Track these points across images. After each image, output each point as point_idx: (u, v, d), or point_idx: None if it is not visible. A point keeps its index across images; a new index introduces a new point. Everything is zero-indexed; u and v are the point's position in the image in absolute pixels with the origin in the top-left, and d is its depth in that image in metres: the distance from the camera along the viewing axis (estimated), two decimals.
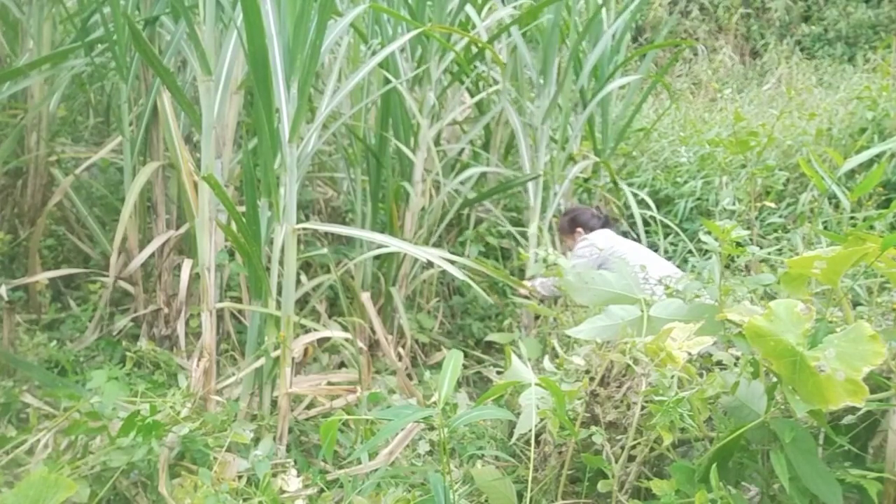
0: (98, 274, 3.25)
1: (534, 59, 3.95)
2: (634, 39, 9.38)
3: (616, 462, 1.65)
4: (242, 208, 2.52)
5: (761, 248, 3.02)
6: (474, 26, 3.87)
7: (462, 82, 4.10)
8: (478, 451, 2.36)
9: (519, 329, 3.65)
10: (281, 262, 2.42)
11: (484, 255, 4.14)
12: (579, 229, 3.45)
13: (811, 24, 10.12)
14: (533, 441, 1.61)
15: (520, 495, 1.80)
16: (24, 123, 3.23)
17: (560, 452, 1.82)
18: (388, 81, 3.36)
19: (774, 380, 1.44)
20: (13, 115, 3.37)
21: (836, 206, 3.91)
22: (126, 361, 2.74)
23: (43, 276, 3.19)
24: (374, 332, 3.17)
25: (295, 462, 2.35)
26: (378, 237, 2.70)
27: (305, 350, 2.65)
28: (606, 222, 3.50)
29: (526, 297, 3.36)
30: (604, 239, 3.26)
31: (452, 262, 2.61)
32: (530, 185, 3.92)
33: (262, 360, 2.47)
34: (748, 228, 2.81)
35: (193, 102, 2.52)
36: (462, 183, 4.00)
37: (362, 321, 3.22)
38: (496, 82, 4.13)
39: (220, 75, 2.42)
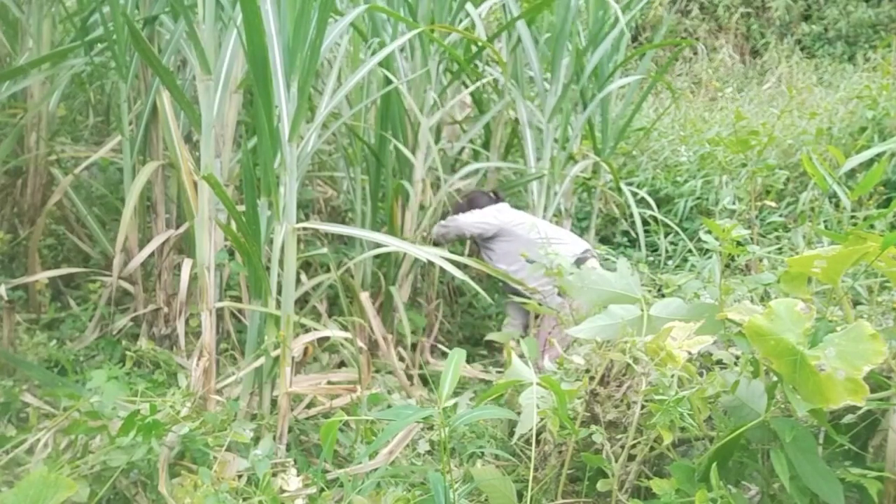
0: (98, 273, 3.25)
1: (537, 57, 3.95)
2: (634, 38, 9.37)
3: (616, 461, 1.65)
4: (242, 207, 2.52)
5: (762, 247, 3.02)
6: (474, 26, 3.86)
7: (461, 80, 4.10)
8: (478, 451, 2.36)
9: (519, 328, 3.65)
10: (281, 262, 2.42)
11: None
12: (475, 211, 3.69)
13: (811, 23, 10.12)
14: (534, 440, 1.61)
15: (520, 494, 1.80)
16: (24, 123, 3.23)
17: (560, 452, 1.82)
18: (388, 80, 3.36)
19: (775, 379, 1.44)
20: (13, 114, 3.37)
21: (837, 205, 3.91)
22: (126, 361, 2.74)
23: (43, 276, 3.18)
24: (373, 331, 3.17)
25: (295, 461, 2.34)
26: (378, 236, 2.70)
27: (305, 349, 2.64)
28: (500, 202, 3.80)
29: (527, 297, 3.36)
30: (498, 211, 3.63)
31: (452, 262, 2.61)
32: (534, 184, 3.92)
33: (261, 360, 2.47)
34: (748, 227, 2.81)
35: (193, 102, 2.52)
36: (462, 181, 4.00)
37: (362, 321, 3.22)
38: (496, 81, 4.12)
39: (219, 74, 2.42)
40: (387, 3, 3.45)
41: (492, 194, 3.81)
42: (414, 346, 3.55)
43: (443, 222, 3.65)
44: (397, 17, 3.35)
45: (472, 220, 3.59)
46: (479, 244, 3.68)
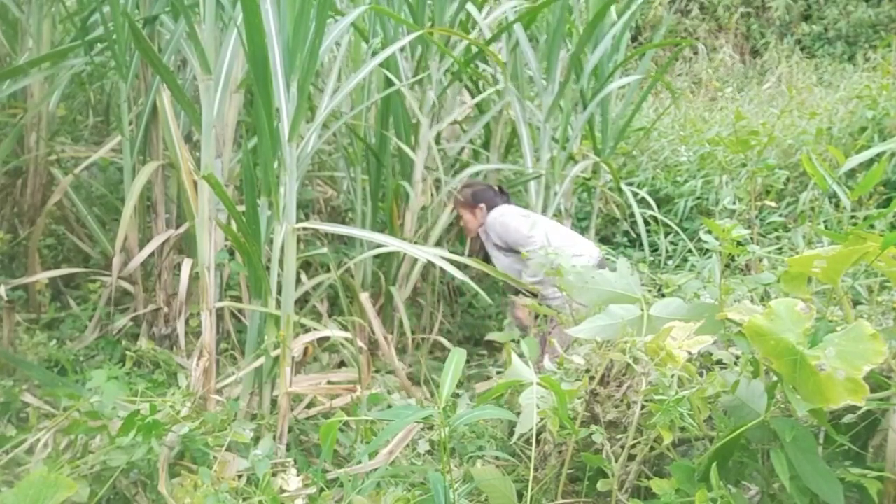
0: (98, 273, 3.25)
1: (535, 58, 3.95)
2: (634, 38, 9.38)
3: (616, 461, 1.65)
4: (242, 207, 2.52)
5: (762, 247, 3.02)
6: (475, 24, 3.86)
7: (462, 82, 4.10)
8: (478, 451, 2.36)
9: (519, 328, 3.65)
10: (281, 262, 2.42)
11: None
12: (482, 205, 3.53)
13: (811, 23, 10.12)
14: (534, 440, 1.61)
15: (520, 494, 1.80)
16: (24, 122, 3.23)
17: (560, 452, 1.82)
18: (388, 80, 3.36)
19: (775, 379, 1.44)
20: (13, 114, 3.37)
21: (837, 205, 3.91)
22: (126, 361, 2.74)
23: (43, 276, 3.18)
24: (373, 332, 3.17)
25: (295, 461, 2.34)
26: (378, 237, 2.70)
27: (305, 349, 2.64)
28: (507, 199, 3.64)
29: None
30: (524, 216, 3.41)
31: (452, 262, 2.60)
32: (532, 184, 3.92)
33: (261, 360, 2.47)
34: (749, 227, 2.81)
35: (193, 101, 2.52)
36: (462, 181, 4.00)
37: (362, 321, 3.22)
38: (496, 81, 4.12)
39: (219, 74, 2.42)
40: (387, 3, 3.45)
41: (496, 188, 3.70)
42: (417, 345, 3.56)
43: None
44: (398, 18, 3.35)
45: (523, 231, 3.28)
46: (502, 251, 3.48)
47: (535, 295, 3.26)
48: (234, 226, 2.37)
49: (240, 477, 2.15)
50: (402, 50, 3.58)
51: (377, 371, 3.18)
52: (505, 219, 3.41)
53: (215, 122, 2.42)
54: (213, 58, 2.38)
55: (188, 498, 1.94)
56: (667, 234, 4.86)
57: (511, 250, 3.39)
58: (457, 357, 1.64)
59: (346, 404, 2.65)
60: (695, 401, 1.56)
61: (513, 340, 2.71)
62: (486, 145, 4.38)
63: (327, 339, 2.94)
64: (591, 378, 1.73)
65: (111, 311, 3.13)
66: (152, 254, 3.12)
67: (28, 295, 3.22)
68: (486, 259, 3.60)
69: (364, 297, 3.19)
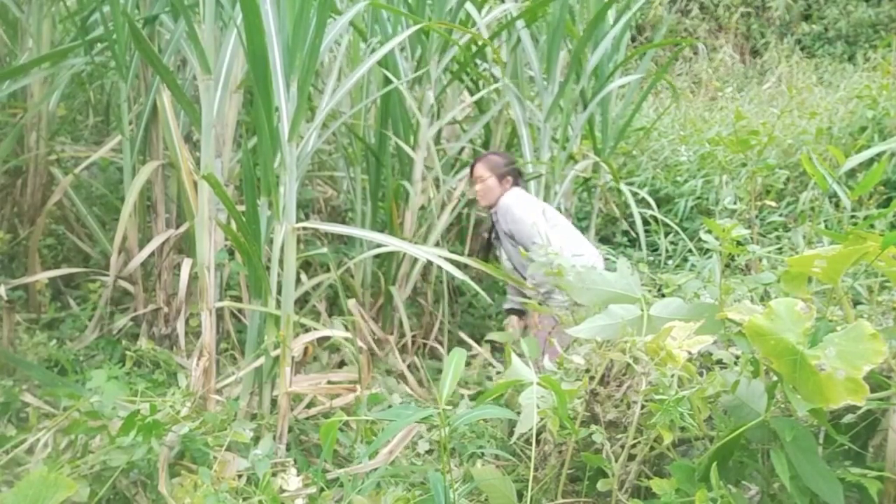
0: (98, 273, 3.25)
1: (537, 57, 3.94)
2: (634, 38, 9.38)
3: (616, 461, 1.65)
4: (242, 207, 2.52)
5: (762, 247, 3.02)
6: (474, 24, 3.86)
7: (462, 81, 4.09)
8: (478, 451, 2.36)
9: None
10: (281, 262, 2.42)
11: None
12: (510, 179, 3.40)
13: (811, 22, 10.13)
14: (534, 440, 1.61)
15: (520, 494, 1.80)
16: (24, 122, 3.23)
17: (560, 451, 1.82)
18: (387, 80, 3.36)
19: (775, 379, 1.44)
20: (13, 113, 3.37)
21: (837, 205, 3.91)
22: (126, 361, 2.74)
23: (43, 276, 3.18)
24: (373, 332, 3.17)
25: (295, 461, 2.34)
26: (378, 236, 2.70)
27: (305, 349, 2.64)
28: (522, 184, 3.55)
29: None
30: (533, 211, 3.26)
31: (452, 262, 2.60)
32: (532, 183, 3.92)
33: (261, 360, 2.47)
34: (749, 227, 2.81)
35: (193, 101, 2.52)
36: (461, 181, 3.99)
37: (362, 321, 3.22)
38: (496, 80, 4.12)
39: (219, 74, 2.42)
40: (386, 3, 3.45)
41: (519, 171, 3.51)
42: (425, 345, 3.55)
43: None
44: (397, 12, 3.35)
45: (533, 227, 3.13)
46: (510, 239, 3.34)
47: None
48: (234, 226, 2.37)
49: (240, 477, 2.15)
50: (401, 49, 3.58)
51: (378, 371, 3.18)
52: (518, 215, 3.25)
53: (215, 121, 2.42)
54: (213, 58, 2.38)
55: (188, 498, 1.94)
56: (667, 234, 4.85)
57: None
58: (457, 357, 1.64)
59: (347, 404, 2.65)
60: (695, 401, 1.56)
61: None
62: (486, 145, 4.37)
63: (327, 338, 2.94)
64: (591, 378, 1.73)
65: (111, 311, 3.13)
66: (152, 254, 3.12)
67: (28, 295, 3.22)
68: (486, 258, 3.60)
69: (352, 303, 3.17)
